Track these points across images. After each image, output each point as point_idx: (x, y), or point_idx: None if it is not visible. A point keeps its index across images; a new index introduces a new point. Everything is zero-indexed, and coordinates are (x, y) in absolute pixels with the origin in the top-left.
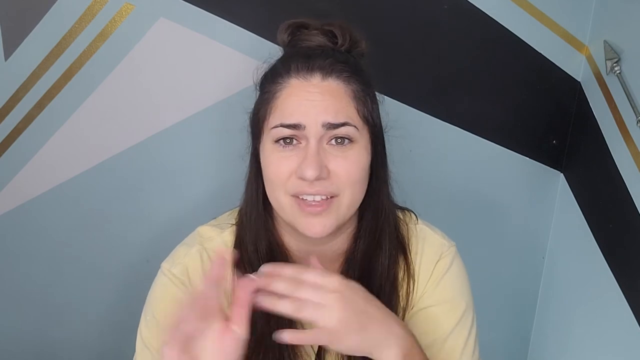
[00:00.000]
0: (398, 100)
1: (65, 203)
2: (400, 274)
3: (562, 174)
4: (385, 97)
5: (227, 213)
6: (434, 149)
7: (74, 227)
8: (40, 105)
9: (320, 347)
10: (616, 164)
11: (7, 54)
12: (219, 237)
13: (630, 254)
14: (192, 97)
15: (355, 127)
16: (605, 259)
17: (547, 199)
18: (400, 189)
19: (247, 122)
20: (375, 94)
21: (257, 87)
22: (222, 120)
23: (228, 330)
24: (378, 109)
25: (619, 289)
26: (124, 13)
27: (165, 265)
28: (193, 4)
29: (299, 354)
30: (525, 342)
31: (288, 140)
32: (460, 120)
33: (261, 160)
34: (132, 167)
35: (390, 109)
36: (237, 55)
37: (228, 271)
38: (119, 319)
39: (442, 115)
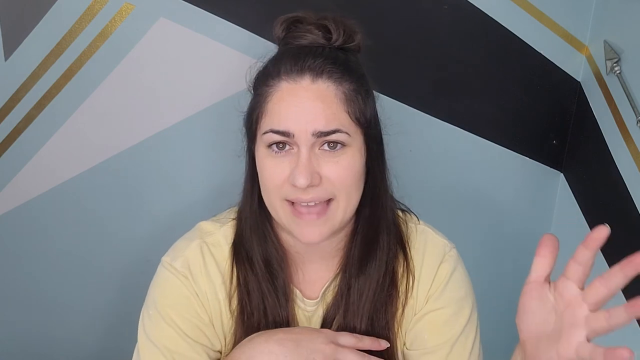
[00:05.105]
0: (398, 100)
1: (65, 203)
2: (400, 270)
3: (562, 174)
4: (386, 97)
5: (228, 210)
6: (434, 149)
7: (74, 227)
8: (40, 105)
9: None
10: (616, 164)
11: (7, 54)
12: (218, 232)
13: (630, 254)
14: (192, 97)
15: (346, 133)
16: (605, 259)
17: (547, 199)
18: (400, 189)
19: (242, 122)
20: (369, 89)
21: (250, 88)
22: (222, 120)
23: None
24: (374, 104)
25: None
26: (124, 13)
27: (166, 259)
28: (193, 4)
29: None
30: None
31: (281, 145)
32: (460, 120)
33: (256, 163)
34: (133, 167)
35: (391, 109)
36: (237, 55)
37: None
38: (119, 319)
39: (442, 115)
